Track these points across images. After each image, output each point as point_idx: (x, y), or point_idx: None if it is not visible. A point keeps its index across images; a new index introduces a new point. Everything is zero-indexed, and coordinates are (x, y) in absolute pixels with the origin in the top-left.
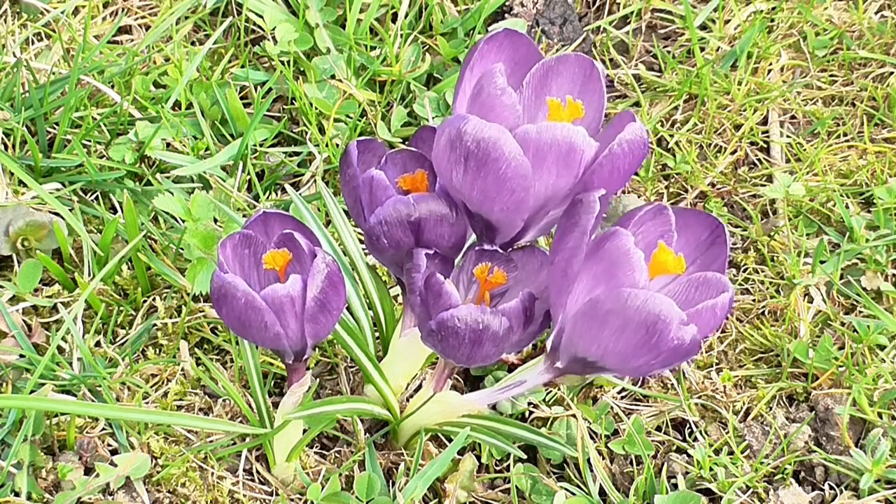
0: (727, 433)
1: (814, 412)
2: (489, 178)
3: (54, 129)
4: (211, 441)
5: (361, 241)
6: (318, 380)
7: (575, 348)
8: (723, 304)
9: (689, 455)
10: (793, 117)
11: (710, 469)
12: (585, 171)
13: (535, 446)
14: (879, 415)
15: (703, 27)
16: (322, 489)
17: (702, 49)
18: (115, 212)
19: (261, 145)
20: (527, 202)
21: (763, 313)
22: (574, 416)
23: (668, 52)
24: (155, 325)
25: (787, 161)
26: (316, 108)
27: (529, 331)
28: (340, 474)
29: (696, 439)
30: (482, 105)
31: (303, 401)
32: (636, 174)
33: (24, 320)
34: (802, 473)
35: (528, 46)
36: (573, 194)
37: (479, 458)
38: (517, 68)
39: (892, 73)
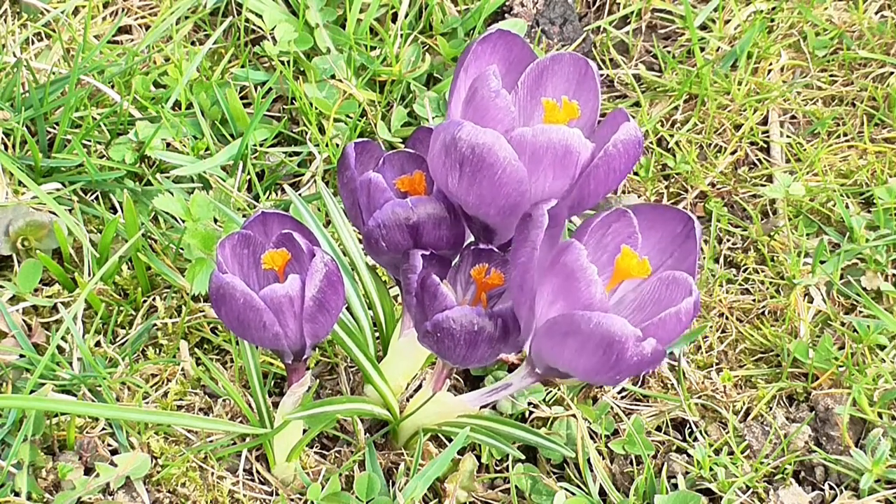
0: (727, 433)
1: (814, 412)
2: (485, 184)
3: (54, 129)
4: (211, 441)
5: (361, 242)
6: (318, 380)
7: (545, 361)
8: (686, 309)
9: (689, 455)
10: (793, 117)
11: (710, 469)
12: (582, 172)
13: (535, 446)
14: (879, 415)
15: (703, 27)
16: (322, 489)
17: (702, 49)
18: (115, 212)
19: (261, 145)
20: (523, 206)
21: (763, 313)
22: (574, 416)
23: (668, 52)
24: (155, 325)
25: (787, 161)
26: (316, 108)
27: None
28: (340, 474)
29: (696, 439)
30: (476, 108)
31: (303, 401)
32: (636, 174)
33: (24, 320)
34: (802, 473)
35: (522, 47)
36: (571, 195)
37: (479, 458)
38: (511, 69)
39: (892, 73)
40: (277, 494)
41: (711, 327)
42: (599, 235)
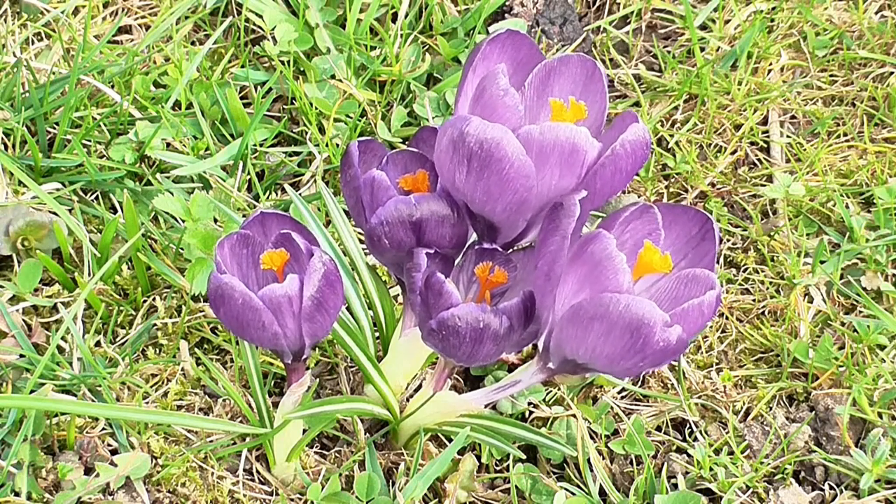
0: (727, 433)
1: (814, 412)
2: (492, 179)
3: (54, 129)
4: (211, 441)
5: (361, 241)
6: (318, 380)
7: (563, 351)
8: (709, 301)
9: (689, 455)
10: (793, 117)
11: (710, 469)
12: (588, 171)
13: (535, 446)
14: (879, 415)
15: (703, 27)
16: (322, 489)
17: (702, 49)
18: (115, 212)
19: (261, 145)
20: (529, 203)
21: (763, 313)
22: (574, 416)
23: (668, 52)
24: (155, 325)
25: (787, 161)
26: (316, 108)
27: (530, 330)
28: (340, 474)
29: (696, 439)
30: (484, 106)
31: (303, 401)
32: (637, 174)
33: (24, 320)
34: (802, 473)
35: (530, 47)
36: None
37: (479, 458)
38: (519, 69)
39: (892, 73)
40: (277, 494)
41: (711, 327)
42: (620, 231)
